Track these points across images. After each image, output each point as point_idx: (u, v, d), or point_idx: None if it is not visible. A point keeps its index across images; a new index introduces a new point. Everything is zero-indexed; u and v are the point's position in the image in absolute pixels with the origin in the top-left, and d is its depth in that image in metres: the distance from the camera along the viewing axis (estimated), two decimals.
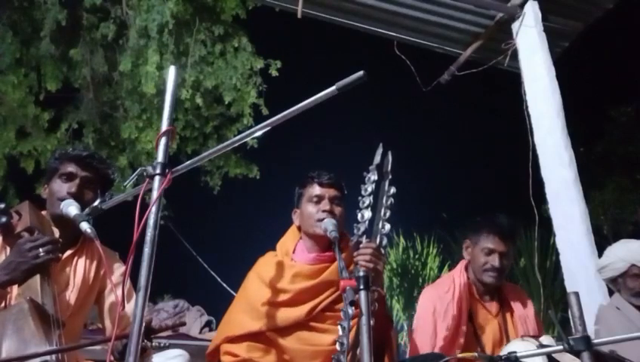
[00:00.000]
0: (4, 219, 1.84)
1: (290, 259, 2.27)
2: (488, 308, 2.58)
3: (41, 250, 1.76)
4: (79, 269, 2.03)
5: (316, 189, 2.26)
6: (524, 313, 2.57)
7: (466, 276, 2.59)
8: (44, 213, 2.03)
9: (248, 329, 2.11)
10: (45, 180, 2.11)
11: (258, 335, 2.11)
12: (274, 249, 2.38)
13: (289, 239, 2.35)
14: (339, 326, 1.74)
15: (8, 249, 1.86)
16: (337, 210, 2.22)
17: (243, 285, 2.30)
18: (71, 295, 1.98)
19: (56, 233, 2.00)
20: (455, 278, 2.57)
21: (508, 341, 2.44)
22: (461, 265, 2.65)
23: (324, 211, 2.19)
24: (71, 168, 2.03)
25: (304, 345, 2.09)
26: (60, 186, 2.01)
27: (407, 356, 2.51)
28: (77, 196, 1.96)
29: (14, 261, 1.76)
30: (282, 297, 2.15)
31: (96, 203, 1.77)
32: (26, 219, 1.88)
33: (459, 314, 2.44)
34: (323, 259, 2.23)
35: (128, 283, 1.99)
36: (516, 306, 2.59)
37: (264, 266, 2.28)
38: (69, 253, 2.02)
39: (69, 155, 2.07)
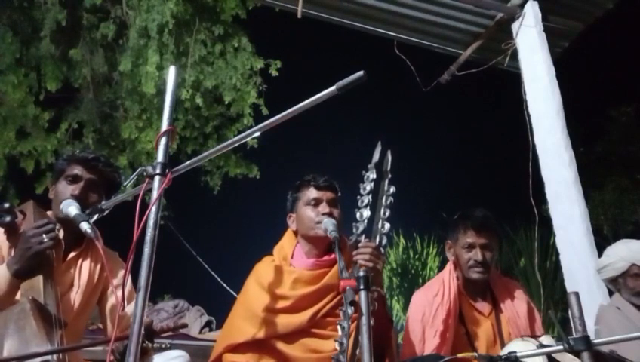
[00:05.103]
0: (8, 219, 1.86)
1: (288, 265, 2.26)
2: (479, 308, 2.56)
3: (44, 236, 1.78)
4: (84, 270, 2.03)
5: (313, 192, 2.26)
6: (514, 312, 2.53)
7: (455, 276, 2.57)
8: (49, 213, 2.04)
9: (249, 337, 2.08)
10: (52, 181, 2.12)
11: (260, 343, 2.09)
12: (272, 251, 2.37)
13: (286, 244, 2.34)
14: (338, 326, 1.74)
15: (13, 250, 1.87)
16: (335, 211, 2.22)
17: (242, 291, 2.28)
18: (75, 296, 1.99)
19: (61, 234, 2.01)
20: (444, 280, 2.55)
21: (502, 342, 2.42)
22: (449, 265, 2.62)
23: (323, 214, 2.18)
24: (77, 170, 2.04)
25: (308, 353, 2.08)
26: (65, 188, 2.02)
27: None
28: (81, 198, 1.97)
29: (21, 249, 1.79)
30: (283, 304, 2.14)
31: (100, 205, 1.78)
32: (30, 219, 1.90)
33: (448, 317, 2.42)
34: (322, 263, 2.23)
35: (129, 283, 1.99)
36: (506, 306, 2.55)
37: (263, 272, 2.25)
38: (73, 254, 2.03)
39: (75, 157, 2.08)
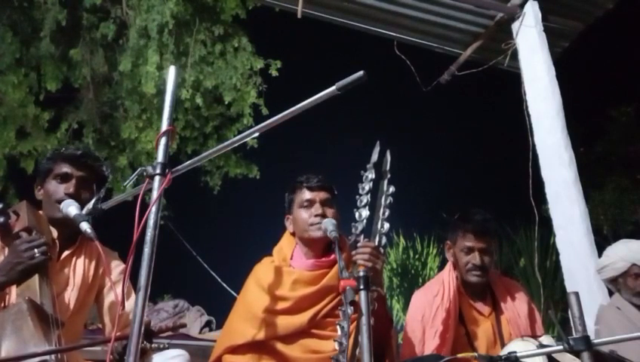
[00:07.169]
0: (1, 219, 1.85)
1: (288, 265, 2.25)
2: (479, 309, 2.56)
3: (36, 250, 1.77)
4: (78, 269, 2.02)
5: (306, 194, 2.25)
6: (515, 313, 2.53)
7: (455, 276, 2.57)
8: (41, 212, 2.03)
9: (249, 338, 2.08)
10: (38, 181, 2.08)
11: (260, 345, 2.08)
12: (271, 251, 2.36)
13: (285, 245, 2.33)
14: (337, 326, 1.74)
15: (7, 249, 1.86)
16: (330, 212, 2.21)
17: (242, 293, 2.27)
18: (71, 295, 1.97)
19: (54, 233, 2.00)
20: (444, 280, 2.55)
21: (502, 342, 2.42)
22: (449, 265, 2.62)
23: (316, 215, 2.18)
24: (66, 168, 2.02)
25: (308, 353, 2.07)
26: (57, 187, 1.99)
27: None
28: (74, 196, 1.95)
29: (11, 262, 1.77)
30: (282, 305, 2.13)
31: (93, 202, 1.77)
32: (24, 219, 1.89)
33: (448, 317, 2.42)
34: (322, 264, 2.22)
35: (127, 281, 1.98)
36: (507, 307, 2.55)
37: (263, 273, 2.25)
38: (67, 253, 2.02)
39: (62, 155, 2.05)
